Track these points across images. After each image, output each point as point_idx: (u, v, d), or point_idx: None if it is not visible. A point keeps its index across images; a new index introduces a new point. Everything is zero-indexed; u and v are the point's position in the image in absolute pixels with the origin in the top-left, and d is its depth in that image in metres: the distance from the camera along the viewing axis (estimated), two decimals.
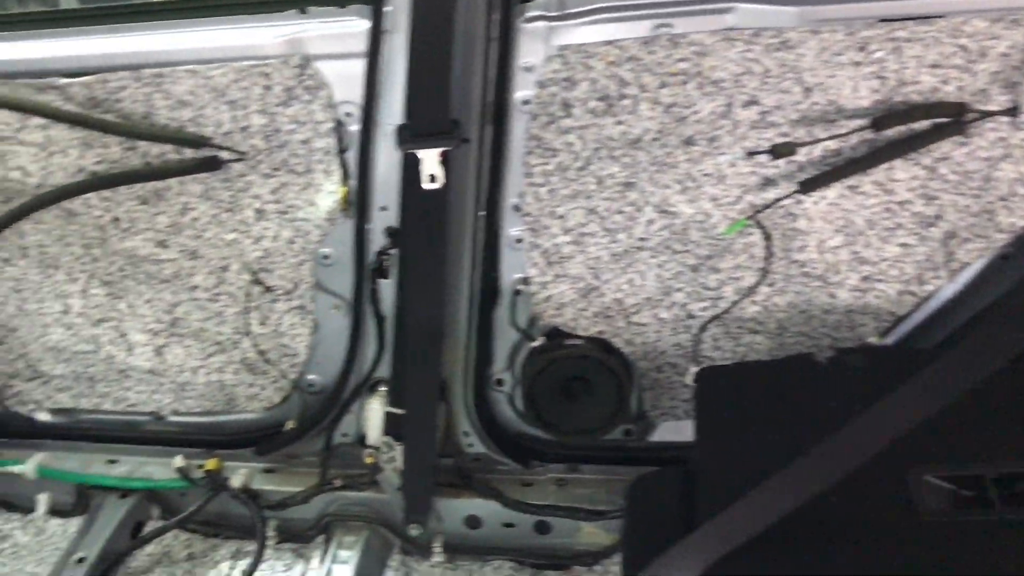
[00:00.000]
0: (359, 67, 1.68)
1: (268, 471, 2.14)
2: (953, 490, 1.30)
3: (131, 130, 1.78)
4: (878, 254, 1.74)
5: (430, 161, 1.56)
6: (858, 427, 1.25)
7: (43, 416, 2.21)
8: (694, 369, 1.77)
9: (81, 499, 2.18)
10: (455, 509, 2.05)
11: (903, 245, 1.72)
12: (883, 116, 1.58)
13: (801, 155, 1.64)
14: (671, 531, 1.36)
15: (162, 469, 2.14)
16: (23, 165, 1.87)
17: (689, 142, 1.67)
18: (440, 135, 1.54)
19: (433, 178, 1.57)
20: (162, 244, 1.94)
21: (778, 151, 1.57)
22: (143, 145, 1.81)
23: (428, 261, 1.72)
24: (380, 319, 1.91)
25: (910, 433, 1.20)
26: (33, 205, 1.84)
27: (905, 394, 1.23)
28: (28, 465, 2.17)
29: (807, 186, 1.64)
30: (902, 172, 1.65)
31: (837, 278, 1.78)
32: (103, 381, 2.16)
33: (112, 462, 2.20)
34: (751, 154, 1.62)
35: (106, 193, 1.88)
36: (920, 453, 1.33)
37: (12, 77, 1.80)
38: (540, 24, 1.62)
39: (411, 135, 1.55)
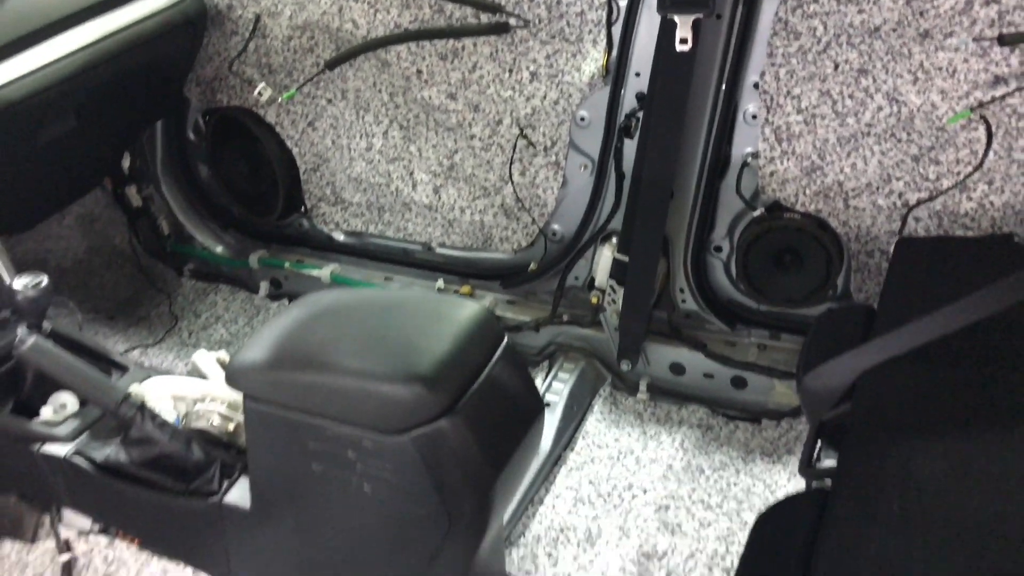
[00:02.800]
0: None
1: (510, 302, 2.52)
2: None
3: None
4: None
5: (684, 26, 1.81)
6: None
7: (339, 236, 2.72)
8: None
9: None
10: (662, 355, 2.33)
11: None
12: None
13: None
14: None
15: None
16: (354, 18, 2.32)
17: (926, 35, 1.82)
18: (694, 3, 1.79)
19: (684, 41, 1.83)
20: (451, 96, 2.34)
21: (1005, 39, 1.70)
22: (449, 7, 2.20)
23: (669, 123, 1.99)
24: (620, 176, 2.20)
25: None
26: (358, 49, 2.30)
27: None
28: (324, 271, 2.69)
29: None
30: None
31: None
32: (389, 211, 2.61)
33: (388, 279, 2.67)
34: (977, 40, 1.75)
35: (413, 47, 2.30)
36: None
37: None
38: None
39: (670, 2, 1.82)
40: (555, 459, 2.18)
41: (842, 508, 1.22)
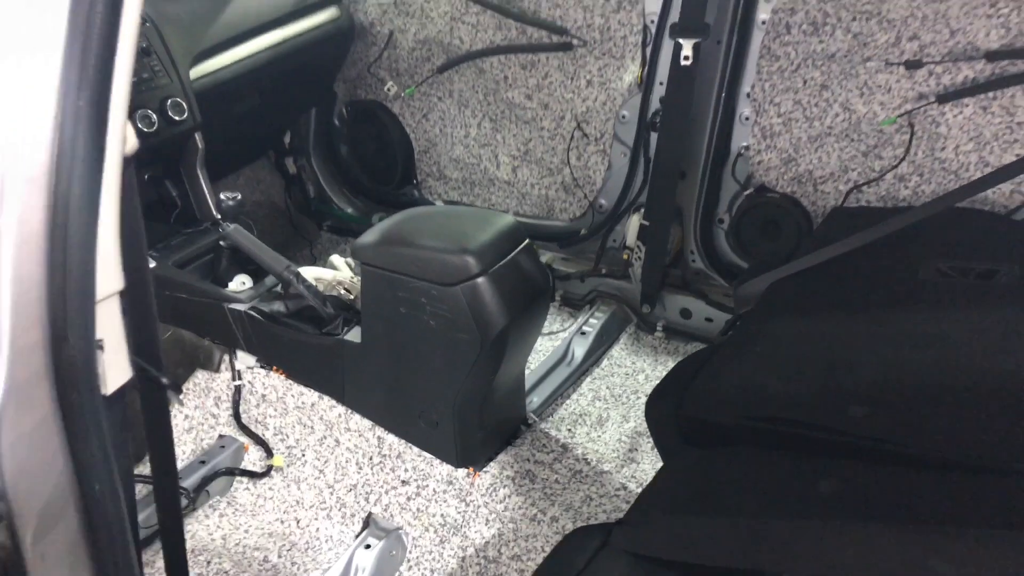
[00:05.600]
0: None
1: (564, 259, 3.26)
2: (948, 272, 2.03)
3: (524, 17, 2.95)
4: (999, 160, 2.42)
5: (687, 47, 2.53)
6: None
7: (439, 204, 3.52)
8: None
9: None
10: (675, 302, 3.02)
11: (1017, 155, 2.39)
12: (1000, 51, 2.28)
13: (946, 79, 2.38)
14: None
15: None
16: (461, 36, 3.12)
17: (867, 59, 2.48)
18: (695, 31, 2.50)
19: (687, 59, 2.54)
20: (528, 97, 3.10)
21: (910, 64, 2.35)
22: (530, 30, 2.98)
23: (676, 120, 2.69)
24: (647, 161, 2.91)
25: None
26: (462, 58, 3.10)
27: None
28: None
29: (943, 99, 2.38)
30: (1022, 99, 2.33)
31: (967, 175, 2.48)
32: (479, 185, 3.39)
33: None
34: (887, 63, 2.40)
35: (503, 58, 3.08)
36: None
37: None
38: None
39: (679, 30, 2.53)
40: (583, 371, 2.90)
41: (721, 353, 1.92)
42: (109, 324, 1.05)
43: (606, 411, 2.71)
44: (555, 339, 3.05)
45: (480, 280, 1.97)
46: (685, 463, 1.70)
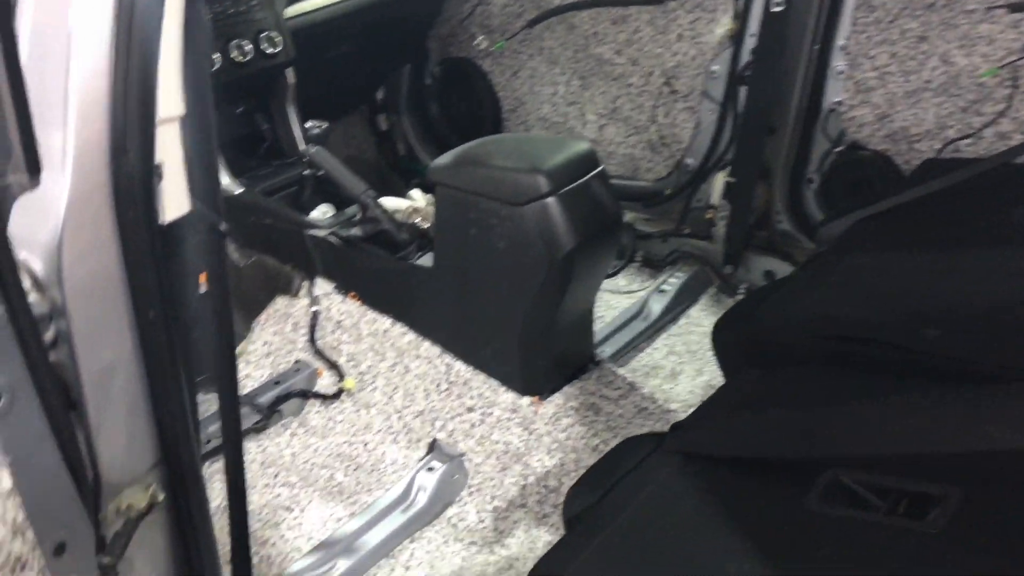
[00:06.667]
0: None
1: (646, 219, 3.22)
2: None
3: None
4: None
5: None
6: None
7: None
8: None
9: None
10: (758, 264, 2.95)
11: None
12: None
13: None
14: None
15: None
16: None
17: (969, 8, 2.38)
18: None
19: (779, 4, 2.48)
20: (618, 52, 3.09)
21: (1014, 7, 2.24)
22: None
23: (767, 70, 2.64)
24: (736, 116, 2.86)
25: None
26: (554, 11, 3.11)
27: None
28: None
29: None
30: None
31: None
32: None
33: None
34: (988, 9, 2.29)
35: (593, 13, 3.07)
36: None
37: None
38: None
39: None
40: (659, 327, 2.86)
41: (795, 282, 1.87)
42: (169, 149, 1.09)
43: (680, 366, 2.67)
44: (632, 298, 3.02)
45: (549, 200, 1.97)
46: (748, 378, 1.65)
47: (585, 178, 2.06)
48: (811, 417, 1.33)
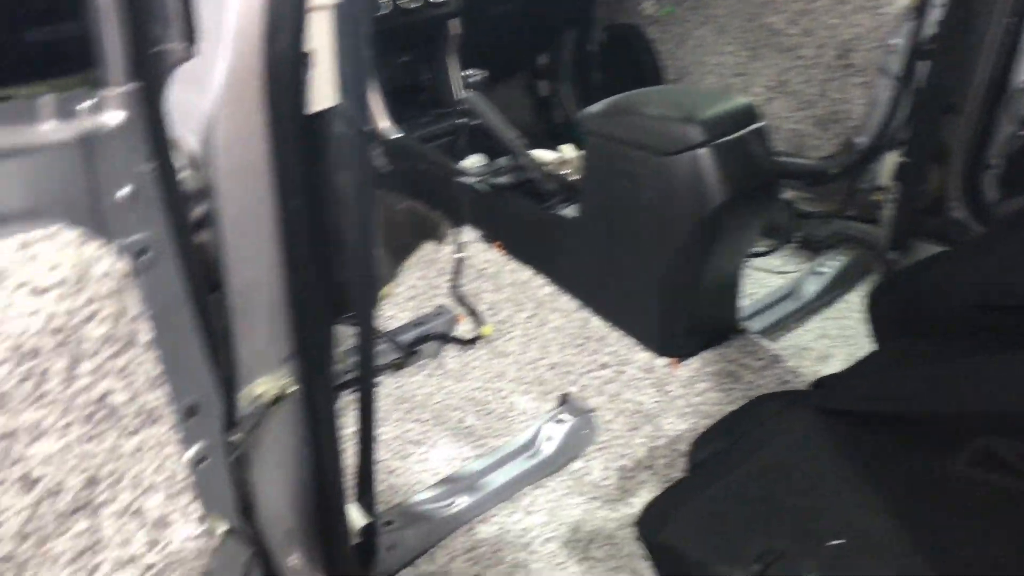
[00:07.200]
0: None
1: (806, 199, 3.08)
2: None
3: None
4: None
5: None
6: None
7: None
8: None
9: None
10: (926, 252, 2.72)
11: None
12: None
13: None
14: None
15: None
16: None
17: None
18: None
19: None
20: (792, 22, 2.96)
21: None
22: None
23: (954, 47, 2.45)
24: (914, 93, 2.68)
25: None
26: None
27: None
28: None
29: None
30: None
31: None
32: None
33: None
34: None
35: None
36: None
37: None
38: None
39: None
40: (812, 309, 2.73)
41: (959, 250, 1.73)
42: (320, 38, 1.11)
43: (831, 349, 2.54)
44: (785, 278, 2.90)
45: (701, 151, 1.91)
46: (900, 344, 1.55)
47: (741, 132, 1.98)
48: (961, 380, 1.23)
